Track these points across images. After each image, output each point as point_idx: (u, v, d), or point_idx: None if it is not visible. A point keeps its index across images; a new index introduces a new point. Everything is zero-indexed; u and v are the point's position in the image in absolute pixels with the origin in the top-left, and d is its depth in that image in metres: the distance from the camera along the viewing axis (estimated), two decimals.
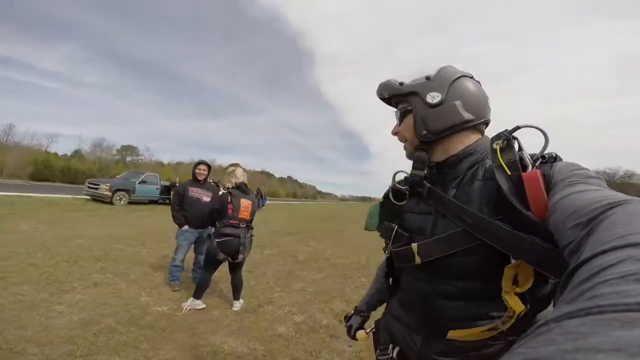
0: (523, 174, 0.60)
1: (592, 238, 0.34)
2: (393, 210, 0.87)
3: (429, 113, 0.77)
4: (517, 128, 0.68)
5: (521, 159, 0.64)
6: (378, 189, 1.10)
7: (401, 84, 0.82)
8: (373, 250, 7.21)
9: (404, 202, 0.85)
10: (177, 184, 15.16)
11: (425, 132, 0.78)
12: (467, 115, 0.75)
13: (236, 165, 3.35)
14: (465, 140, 0.78)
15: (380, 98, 0.87)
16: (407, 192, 0.85)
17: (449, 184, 0.78)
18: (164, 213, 12.39)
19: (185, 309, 3.04)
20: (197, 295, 3.12)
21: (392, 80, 0.84)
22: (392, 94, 0.83)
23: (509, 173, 0.62)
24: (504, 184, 0.62)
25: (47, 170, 24.11)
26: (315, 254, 6.80)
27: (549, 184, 0.56)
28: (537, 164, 0.63)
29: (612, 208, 0.37)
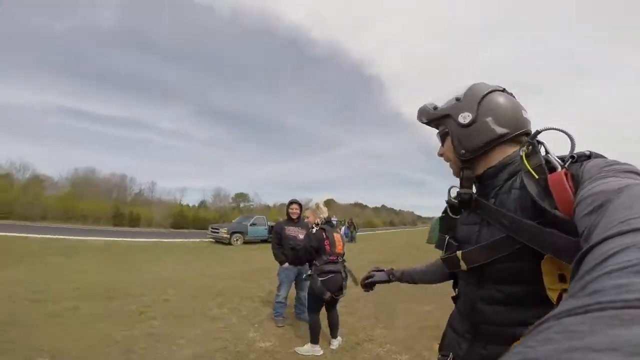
0: (549, 176, 0.61)
1: (600, 224, 0.34)
2: (450, 224, 0.92)
3: (464, 133, 0.81)
4: (538, 132, 0.69)
5: (547, 161, 0.65)
6: None
7: (435, 108, 0.87)
8: None
9: (459, 216, 0.91)
10: None
11: (463, 151, 0.82)
12: (501, 130, 0.78)
13: (329, 200, 3.32)
14: (503, 153, 0.80)
15: (420, 122, 0.93)
16: (458, 205, 0.89)
17: (489, 194, 0.81)
18: (270, 250, 13.64)
19: (305, 354, 2.95)
20: (315, 339, 3.01)
21: (427, 105, 0.90)
22: (429, 119, 0.89)
23: (537, 177, 0.64)
24: (532, 189, 0.64)
25: (182, 219, 29.48)
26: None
27: (579, 183, 0.56)
28: (566, 164, 0.62)
29: (619, 193, 0.37)
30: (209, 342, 3.07)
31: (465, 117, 0.79)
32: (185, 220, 29.61)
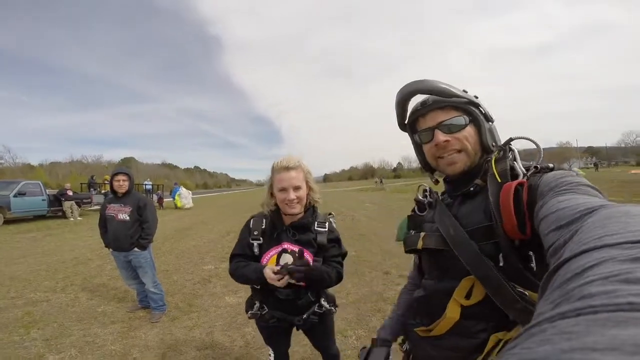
0: (505, 184, 0.65)
1: (573, 240, 0.35)
2: (417, 221, 0.94)
3: (491, 127, 0.80)
4: (511, 140, 0.75)
5: (512, 168, 0.69)
6: None
7: (464, 91, 0.80)
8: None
9: (425, 213, 0.93)
10: (70, 191, 12.30)
11: (493, 144, 0.79)
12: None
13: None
14: None
15: (432, 95, 0.79)
16: (426, 203, 0.94)
17: (456, 196, 0.84)
18: (64, 229, 9.76)
19: None
20: None
21: (449, 85, 0.77)
22: (460, 98, 0.77)
23: (499, 180, 0.68)
24: (493, 192, 0.67)
25: None
26: None
27: (535, 194, 0.60)
28: (529, 173, 0.67)
29: (590, 213, 0.39)
30: None
31: (488, 112, 0.80)
32: None
